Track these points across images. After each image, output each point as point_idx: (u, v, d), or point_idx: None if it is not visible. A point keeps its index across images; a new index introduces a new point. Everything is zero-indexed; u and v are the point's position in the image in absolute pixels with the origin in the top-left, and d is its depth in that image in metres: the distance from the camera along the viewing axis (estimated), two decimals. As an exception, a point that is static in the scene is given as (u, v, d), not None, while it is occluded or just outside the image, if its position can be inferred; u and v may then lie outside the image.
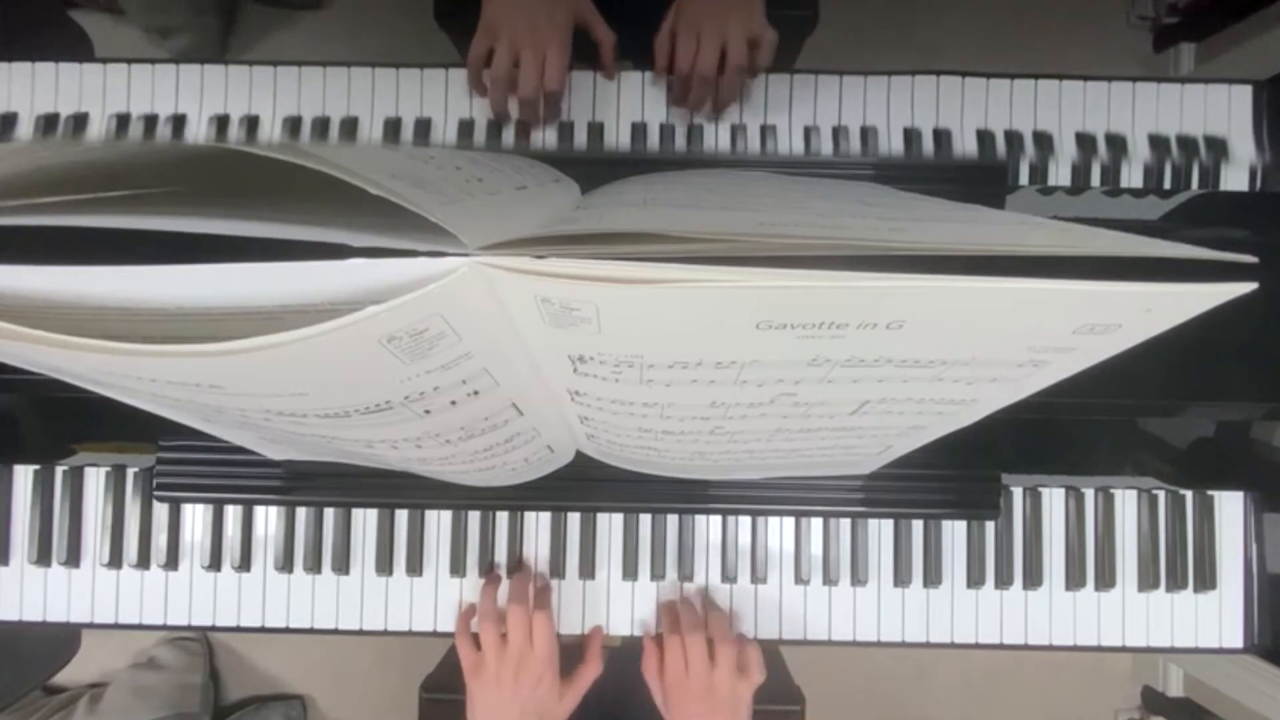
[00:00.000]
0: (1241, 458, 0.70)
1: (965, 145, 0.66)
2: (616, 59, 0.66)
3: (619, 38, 0.65)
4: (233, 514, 0.63)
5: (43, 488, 0.63)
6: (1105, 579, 0.62)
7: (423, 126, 0.66)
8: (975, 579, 0.62)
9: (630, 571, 0.63)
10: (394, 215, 0.26)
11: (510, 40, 0.60)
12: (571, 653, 0.60)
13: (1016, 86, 0.67)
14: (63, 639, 1.02)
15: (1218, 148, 0.67)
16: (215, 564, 0.62)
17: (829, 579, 0.62)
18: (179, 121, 0.66)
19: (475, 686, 0.57)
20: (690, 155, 0.66)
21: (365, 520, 0.63)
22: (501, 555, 0.63)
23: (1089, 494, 0.63)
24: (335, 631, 0.63)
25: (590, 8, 0.64)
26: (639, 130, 0.66)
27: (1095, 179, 0.66)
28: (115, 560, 0.62)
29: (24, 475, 0.63)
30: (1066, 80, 0.67)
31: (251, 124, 0.66)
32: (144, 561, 0.62)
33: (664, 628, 0.59)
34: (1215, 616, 0.63)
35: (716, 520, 0.63)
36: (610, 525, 0.63)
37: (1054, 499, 0.63)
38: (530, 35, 0.60)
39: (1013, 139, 0.66)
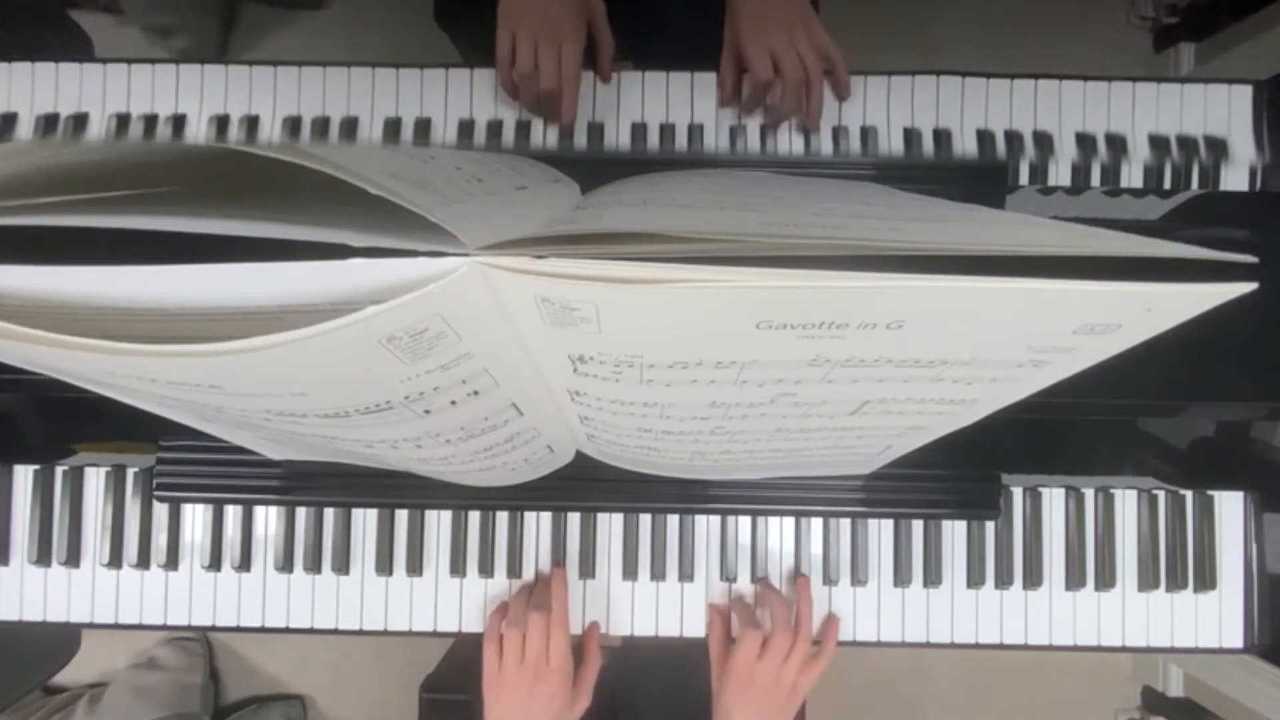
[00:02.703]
0: (1241, 458, 0.70)
1: (965, 145, 0.66)
2: (613, 63, 0.66)
3: (622, 36, 0.65)
4: (233, 514, 0.63)
5: (43, 488, 0.63)
6: (1105, 579, 0.62)
7: (423, 126, 0.66)
8: (975, 579, 0.62)
9: (630, 571, 0.62)
10: (394, 215, 0.26)
11: (528, 33, 0.60)
12: (574, 653, 0.60)
13: (1016, 86, 0.67)
14: (63, 639, 1.02)
15: (1218, 148, 0.67)
16: (215, 564, 0.62)
17: (829, 579, 0.62)
18: (179, 121, 0.66)
19: (492, 695, 0.57)
20: (690, 155, 0.66)
21: (365, 520, 0.63)
22: (501, 555, 0.63)
23: (1089, 494, 0.63)
24: (335, 631, 0.63)
25: (600, 7, 0.64)
26: (639, 130, 0.66)
27: (1095, 179, 0.66)
28: (115, 560, 0.62)
29: (24, 475, 0.63)
30: (1066, 80, 0.67)
31: (251, 124, 0.66)
32: (144, 561, 0.62)
33: (740, 618, 0.59)
34: (1215, 616, 0.63)
35: (716, 520, 0.63)
36: (610, 525, 0.63)
37: (1054, 499, 0.63)
38: (545, 25, 0.60)
39: (1013, 139, 0.66)
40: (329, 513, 0.63)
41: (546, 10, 0.60)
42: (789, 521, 0.63)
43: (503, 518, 0.63)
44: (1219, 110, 0.67)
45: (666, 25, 0.80)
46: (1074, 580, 0.62)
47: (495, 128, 0.66)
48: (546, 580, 0.62)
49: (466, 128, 0.66)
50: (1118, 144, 0.67)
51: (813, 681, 0.57)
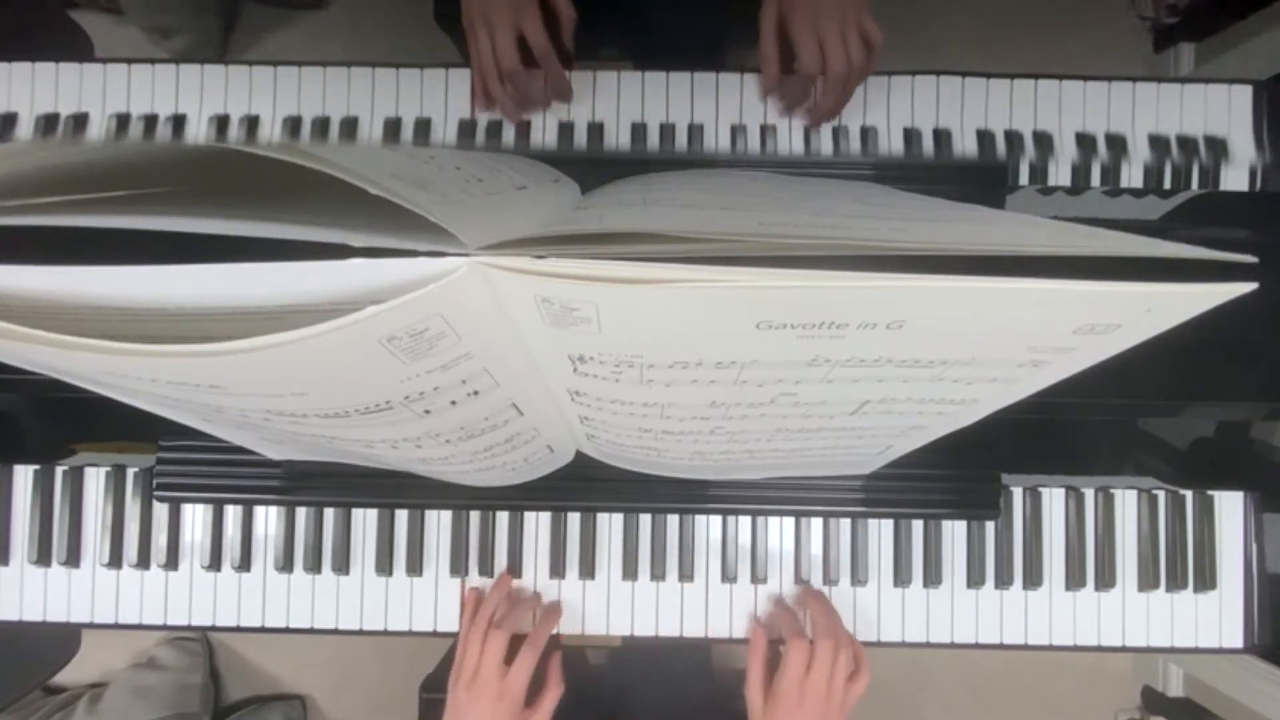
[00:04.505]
0: (1241, 458, 0.70)
1: (965, 145, 0.66)
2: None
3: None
4: (233, 514, 0.63)
5: (43, 488, 0.63)
6: (1105, 579, 0.62)
7: (423, 126, 0.66)
8: (975, 579, 0.62)
9: (630, 571, 0.62)
10: (394, 215, 0.26)
11: (486, 25, 0.59)
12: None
13: (1016, 86, 0.67)
14: (63, 639, 1.02)
15: (1218, 148, 0.67)
16: (215, 564, 0.62)
17: (829, 579, 0.62)
18: (179, 121, 0.66)
19: (450, 694, 0.57)
20: (690, 155, 0.66)
21: (365, 520, 0.63)
22: (501, 555, 0.63)
23: (1089, 494, 0.63)
24: (335, 631, 0.63)
25: None
26: (639, 130, 0.66)
27: (1095, 179, 0.66)
28: (115, 560, 0.62)
29: (24, 475, 0.63)
30: (1066, 80, 0.67)
31: (251, 124, 0.66)
32: (144, 561, 0.62)
33: (787, 629, 0.58)
34: (1215, 616, 0.63)
35: (716, 520, 0.63)
36: (610, 525, 0.63)
37: (1054, 499, 0.63)
38: (499, 13, 0.59)
39: (1013, 139, 0.66)
40: (329, 513, 0.63)
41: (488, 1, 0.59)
42: (789, 521, 0.63)
43: (503, 518, 0.63)
44: (1219, 110, 0.67)
45: (667, 25, 0.80)
46: (1074, 580, 0.62)
47: (495, 128, 0.66)
48: (514, 601, 0.62)
49: (466, 128, 0.66)
50: (1118, 144, 0.67)
51: (857, 699, 0.56)
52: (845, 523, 0.63)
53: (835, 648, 0.55)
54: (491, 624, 0.58)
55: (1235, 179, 0.66)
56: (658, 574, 0.63)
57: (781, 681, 0.55)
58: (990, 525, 0.63)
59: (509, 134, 0.66)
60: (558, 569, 0.63)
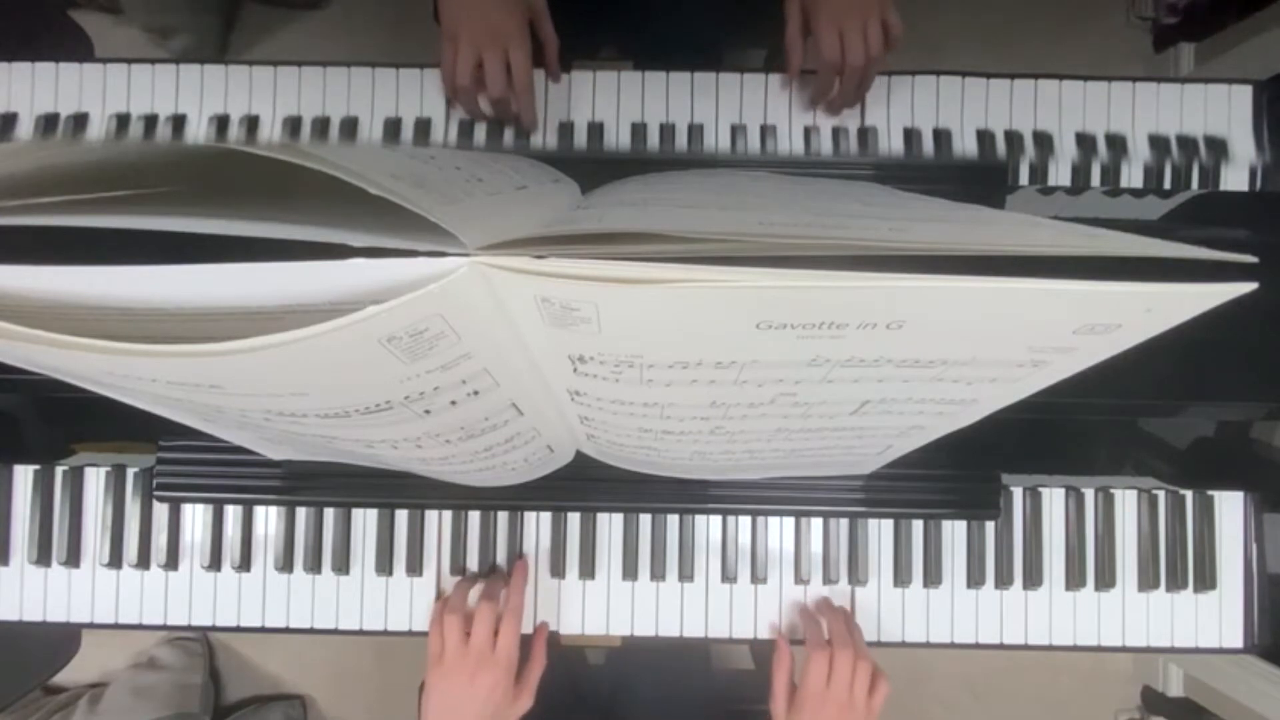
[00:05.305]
0: (1241, 458, 0.70)
1: (965, 145, 0.66)
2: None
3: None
4: (233, 514, 0.63)
5: (43, 488, 0.63)
6: (1105, 579, 0.62)
7: (423, 126, 0.66)
8: (975, 579, 0.62)
9: (630, 571, 0.62)
10: (394, 215, 0.26)
11: (470, 41, 0.59)
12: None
13: (1016, 86, 0.67)
14: (63, 639, 1.02)
15: (1218, 148, 0.67)
16: (215, 564, 0.62)
17: (829, 579, 0.62)
18: (179, 121, 0.66)
19: (433, 679, 0.56)
20: (690, 155, 0.66)
21: (365, 520, 0.63)
22: (502, 555, 0.63)
23: (1089, 494, 0.63)
24: (335, 631, 0.63)
25: (542, 5, 0.62)
26: (639, 130, 0.66)
27: (1095, 179, 0.66)
28: (115, 560, 0.62)
29: (24, 475, 0.63)
30: (1066, 80, 0.67)
31: (251, 124, 0.66)
32: (144, 561, 0.62)
33: (809, 639, 0.58)
34: (1215, 616, 0.63)
35: (716, 520, 0.63)
36: (610, 525, 0.63)
37: (1054, 499, 0.63)
38: (488, 34, 0.59)
39: (1013, 139, 0.66)
40: (329, 513, 0.63)
41: (486, 17, 0.59)
42: (789, 521, 0.63)
43: (503, 518, 0.63)
44: (1219, 110, 0.67)
45: (666, 25, 0.80)
46: (1074, 580, 0.62)
47: (495, 128, 0.66)
48: (499, 572, 0.62)
49: (466, 128, 0.66)
50: (1118, 144, 0.67)
51: (880, 705, 0.56)
52: (845, 523, 0.63)
53: (853, 657, 0.55)
54: (479, 598, 0.57)
55: (1235, 179, 0.66)
56: (658, 574, 0.63)
57: (803, 691, 0.56)
58: (990, 525, 0.63)
59: (509, 134, 0.66)
60: (558, 569, 0.63)
